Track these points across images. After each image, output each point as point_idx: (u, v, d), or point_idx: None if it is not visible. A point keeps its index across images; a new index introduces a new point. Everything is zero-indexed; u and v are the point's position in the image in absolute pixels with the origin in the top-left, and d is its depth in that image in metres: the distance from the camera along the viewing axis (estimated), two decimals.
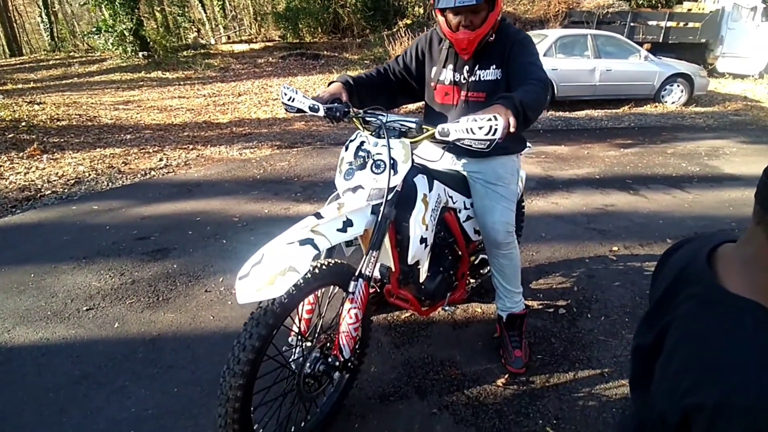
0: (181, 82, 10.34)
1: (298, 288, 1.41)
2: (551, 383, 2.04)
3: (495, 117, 1.31)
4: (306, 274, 1.41)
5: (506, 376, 2.07)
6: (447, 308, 2.19)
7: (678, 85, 8.28)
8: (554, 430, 1.81)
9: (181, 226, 3.46)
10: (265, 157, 5.30)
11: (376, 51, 12.45)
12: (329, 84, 1.86)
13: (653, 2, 12.62)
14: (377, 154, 1.58)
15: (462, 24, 1.68)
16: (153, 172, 4.73)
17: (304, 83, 9.82)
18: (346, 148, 1.67)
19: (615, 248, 3.23)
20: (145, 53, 12.58)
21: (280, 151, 5.51)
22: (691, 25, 11.12)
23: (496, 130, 1.31)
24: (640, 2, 12.50)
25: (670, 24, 11.07)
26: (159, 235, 3.32)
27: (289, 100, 1.70)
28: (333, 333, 1.66)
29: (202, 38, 17.37)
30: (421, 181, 1.77)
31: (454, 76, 1.86)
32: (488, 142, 1.33)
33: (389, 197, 1.58)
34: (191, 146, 5.65)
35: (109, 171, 4.70)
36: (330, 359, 1.59)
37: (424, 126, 1.62)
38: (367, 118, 1.70)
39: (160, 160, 5.10)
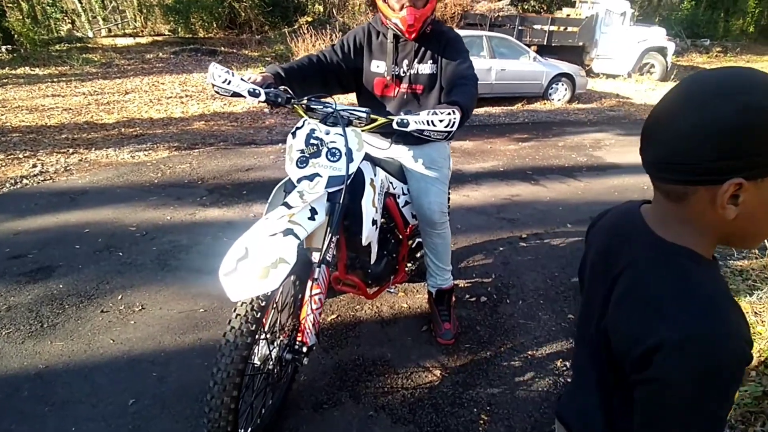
0: (55, 79, 9.14)
1: None
2: (481, 371, 2.08)
3: (454, 111, 1.47)
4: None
5: (441, 363, 2.07)
6: (392, 290, 2.26)
7: (562, 84, 9.05)
8: (489, 416, 1.84)
9: (65, 240, 3.03)
10: (162, 159, 4.85)
11: (277, 48, 12.05)
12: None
13: (536, 7, 13.65)
14: (331, 142, 1.58)
15: (406, 5, 1.74)
16: (25, 180, 4.10)
17: (200, 80, 9.18)
18: (294, 135, 1.61)
19: (524, 235, 3.42)
20: (9, 47, 10.95)
21: (180, 153, 5.09)
22: (570, 29, 12.14)
23: (454, 123, 1.46)
24: (526, 7, 13.45)
25: (552, 28, 12.01)
26: (38, 252, 2.87)
27: (224, 82, 1.59)
28: (294, 321, 1.65)
29: (77, 31, 15.57)
30: (366, 167, 1.80)
31: (393, 69, 1.92)
32: (446, 133, 1.49)
33: (347, 184, 1.57)
34: (71, 150, 5.00)
35: None
36: (297, 346, 1.58)
37: (372, 115, 1.64)
38: (312, 106, 1.67)
39: (34, 166, 4.44)
